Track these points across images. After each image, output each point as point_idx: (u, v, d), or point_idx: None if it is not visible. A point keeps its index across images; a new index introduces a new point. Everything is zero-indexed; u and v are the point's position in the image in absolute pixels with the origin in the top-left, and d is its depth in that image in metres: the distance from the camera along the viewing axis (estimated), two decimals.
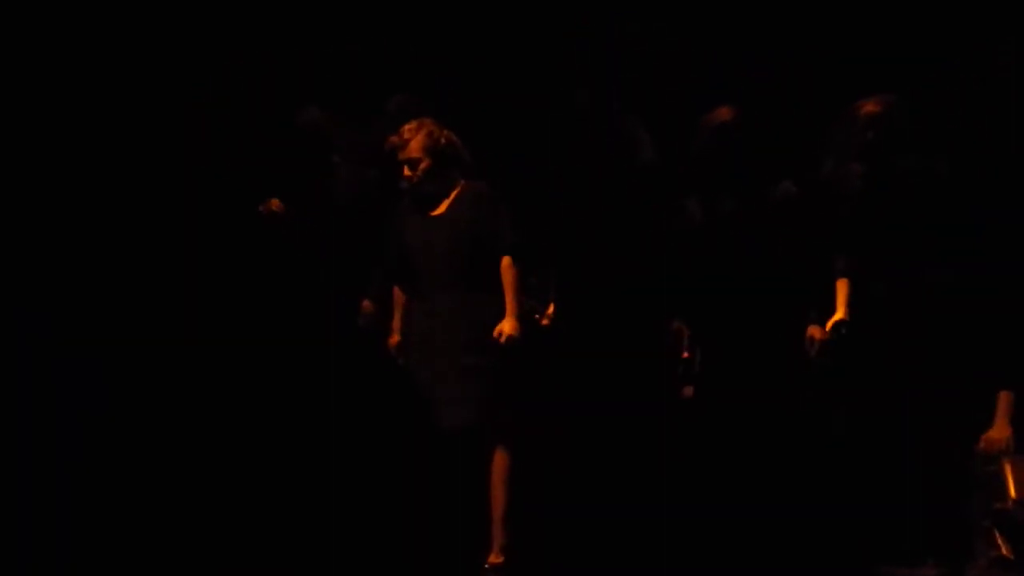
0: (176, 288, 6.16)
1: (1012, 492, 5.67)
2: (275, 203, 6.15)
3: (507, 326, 5.73)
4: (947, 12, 6.57)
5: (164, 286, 6.15)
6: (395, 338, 5.95)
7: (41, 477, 6.00)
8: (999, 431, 5.78)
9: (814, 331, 5.92)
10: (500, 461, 5.85)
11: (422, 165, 5.80)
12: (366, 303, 6.17)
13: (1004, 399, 5.81)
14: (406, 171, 5.81)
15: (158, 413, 6.15)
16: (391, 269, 5.97)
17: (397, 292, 5.97)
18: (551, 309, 6.03)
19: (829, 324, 5.81)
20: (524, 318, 5.77)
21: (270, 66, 6.19)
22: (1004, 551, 5.64)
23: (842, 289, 5.86)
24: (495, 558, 5.86)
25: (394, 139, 5.82)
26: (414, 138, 5.78)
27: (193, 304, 6.13)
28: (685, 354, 6.03)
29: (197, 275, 6.17)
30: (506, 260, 5.77)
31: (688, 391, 6.07)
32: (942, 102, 6.24)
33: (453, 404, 5.73)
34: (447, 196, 5.88)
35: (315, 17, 6.42)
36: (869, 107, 5.81)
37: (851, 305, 5.85)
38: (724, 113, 5.97)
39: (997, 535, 5.66)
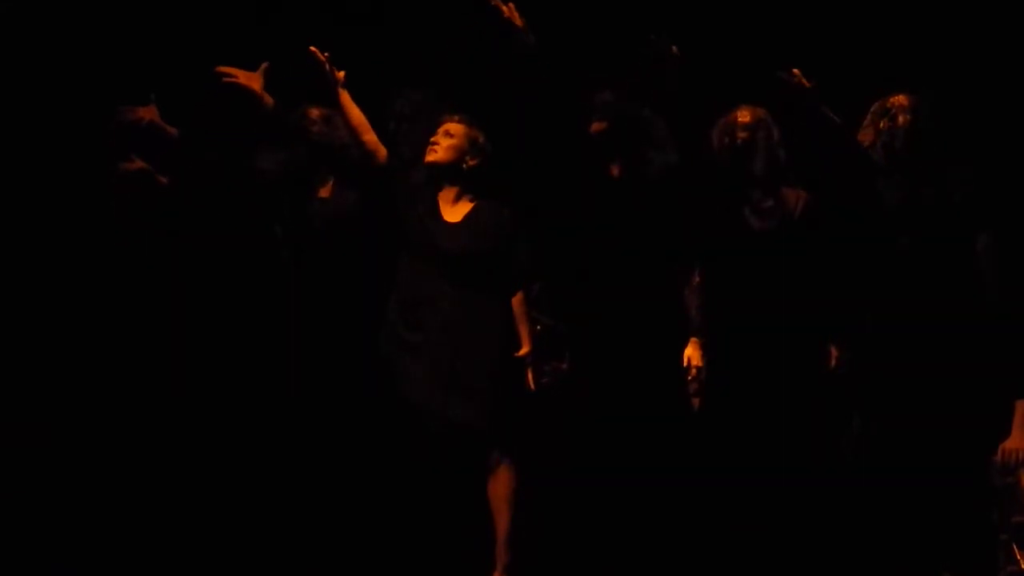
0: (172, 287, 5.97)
1: None
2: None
3: (529, 354, 5.80)
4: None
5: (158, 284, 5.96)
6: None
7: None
8: (1017, 441, 5.70)
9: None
10: (504, 478, 5.78)
11: (453, 141, 5.81)
12: None
13: (1022, 409, 5.72)
14: (434, 138, 5.81)
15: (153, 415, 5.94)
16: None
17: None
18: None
19: None
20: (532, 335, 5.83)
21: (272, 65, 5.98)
22: (1023, 566, 5.55)
23: None
24: None
25: (447, 115, 5.84)
26: (466, 122, 5.84)
27: (188, 302, 5.94)
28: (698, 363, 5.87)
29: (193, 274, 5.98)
30: (519, 294, 5.82)
31: (695, 402, 5.90)
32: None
33: (463, 399, 5.69)
34: (455, 202, 5.85)
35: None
36: (897, 97, 5.81)
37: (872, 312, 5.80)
38: (742, 115, 5.81)
39: (1016, 549, 5.58)
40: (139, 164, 5.82)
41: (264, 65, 5.81)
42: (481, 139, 5.85)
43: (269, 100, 5.80)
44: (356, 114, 5.84)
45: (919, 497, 5.67)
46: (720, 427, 5.82)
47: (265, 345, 5.89)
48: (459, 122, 5.83)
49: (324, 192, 6.04)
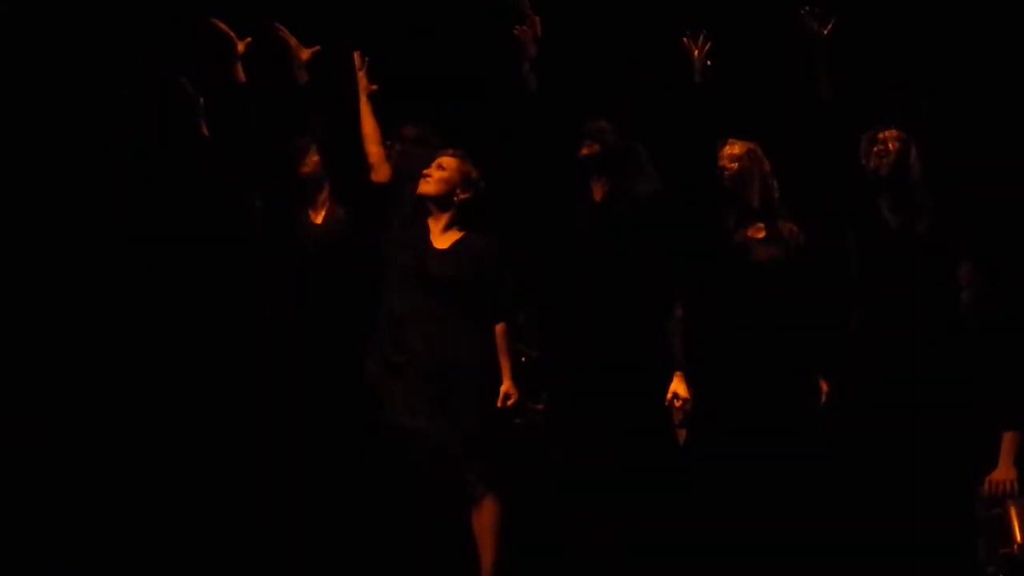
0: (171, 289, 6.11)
1: (1018, 536, 5.57)
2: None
3: (510, 389, 5.80)
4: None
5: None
6: None
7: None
8: (1003, 472, 5.67)
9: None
10: (488, 510, 5.80)
11: (444, 174, 5.92)
12: None
13: (1008, 440, 5.70)
14: (427, 170, 5.91)
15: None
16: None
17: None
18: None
19: None
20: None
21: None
22: None
23: None
24: None
25: (441, 152, 5.97)
26: (459, 157, 5.95)
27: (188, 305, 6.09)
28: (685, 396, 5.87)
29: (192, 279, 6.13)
30: (501, 326, 5.84)
31: (681, 434, 5.90)
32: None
33: (445, 424, 5.72)
34: (444, 231, 5.92)
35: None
36: (889, 130, 5.87)
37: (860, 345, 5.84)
38: (730, 147, 5.87)
39: None
40: (198, 95, 6.08)
41: (315, 47, 6.11)
42: (474, 174, 5.94)
43: (305, 76, 6.11)
44: (371, 124, 6.10)
45: (905, 529, 5.63)
46: (706, 460, 5.81)
47: (252, 361, 6.01)
48: (453, 156, 5.94)
49: (317, 218, 6.16)
